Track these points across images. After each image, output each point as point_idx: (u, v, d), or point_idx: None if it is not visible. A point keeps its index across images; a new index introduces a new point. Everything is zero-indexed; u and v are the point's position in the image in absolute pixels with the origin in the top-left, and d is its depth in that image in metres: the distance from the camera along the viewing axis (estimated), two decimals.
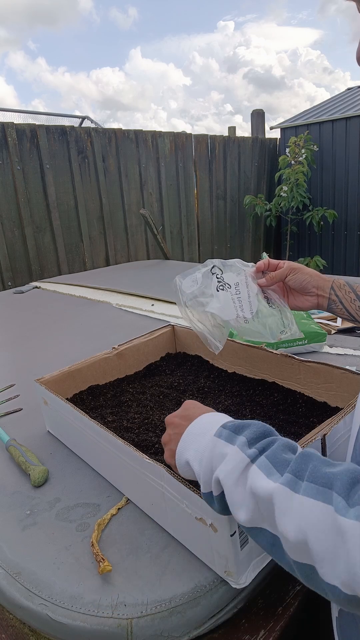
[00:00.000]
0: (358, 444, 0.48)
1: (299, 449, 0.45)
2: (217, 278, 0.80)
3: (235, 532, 0.52)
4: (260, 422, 0.48)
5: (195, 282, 0.80)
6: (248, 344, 1.01)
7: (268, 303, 0.81)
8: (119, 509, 0.70)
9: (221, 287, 0.80)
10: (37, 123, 3.29)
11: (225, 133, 4.93)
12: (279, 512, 0.39)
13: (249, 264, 0.84)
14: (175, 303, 1.88)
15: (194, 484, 0.58)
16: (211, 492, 0.48)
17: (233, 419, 0.52)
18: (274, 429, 0.48)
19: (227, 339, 1.04)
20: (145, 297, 2.01)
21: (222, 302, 0.78)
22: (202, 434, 0.52)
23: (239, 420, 0.50)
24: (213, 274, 0.81)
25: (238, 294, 0.80)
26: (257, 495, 0.41)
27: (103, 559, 0.59)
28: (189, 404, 0.61)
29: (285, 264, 0.82)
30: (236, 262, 0.84)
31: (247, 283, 0.81)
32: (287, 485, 0.39)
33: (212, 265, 0.82)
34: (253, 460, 0.44)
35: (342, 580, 0.34)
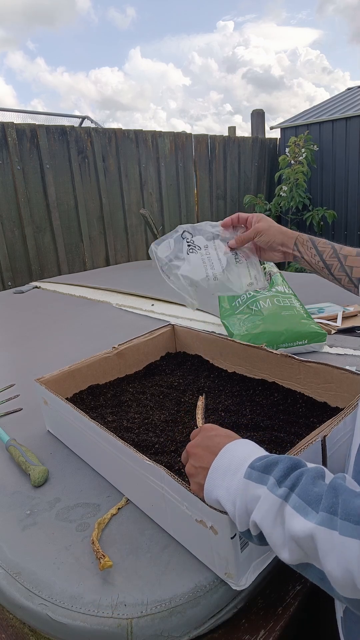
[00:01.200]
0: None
1: (327, 475, 0.45)
2: (187, 242, 0.88)
3: (235, 534, 0.52)
4: (286, 456, 0.48)
5: (168, 247, 0.88)
6: (248, 344, 1.01)
7: (236, 259, 0.88)
8: (119, 508, 0.70)
9: (191, 250, 0.87)
10: (37, 123, 3.29)
11: (225, 133, 4.93)
12: (322, 552, 0.39)
13: (217, 223, 0.90)
14: (175, 303, 1.89)
15: None
16: (249, 530, 0.48)
17: (259, 452, 0.52)
18: (301, 460, 0.48)
19: (227, 339, 1.06)
20: (145, 297, 2.01)
21: (192, 264, 0.86)
22: (231, 472, 0.51)
23: (266, 457, 0.50)
24: (183, 238, 0.88)
25: (208, 255, 0.88)
26: (298, 537, 0.41)
27: (104, 555, 0.58)
28: (209, 430, 0.59)
29: (254, 220, 0.87)
30: (205, 225, 0.90)
31: (215, 244, 0.89)
32: (324, 524, 0.39)
33: (182, 231, 0.89)
34: (286, 499, 0.43)
35: None
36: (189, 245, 0.87)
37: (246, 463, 0.50)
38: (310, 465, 0.47)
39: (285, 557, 0.43)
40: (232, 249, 0.88)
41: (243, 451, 0.53)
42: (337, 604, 0.55)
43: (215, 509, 0.52)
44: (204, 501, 0.54)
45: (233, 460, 0.52)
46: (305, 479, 0.44)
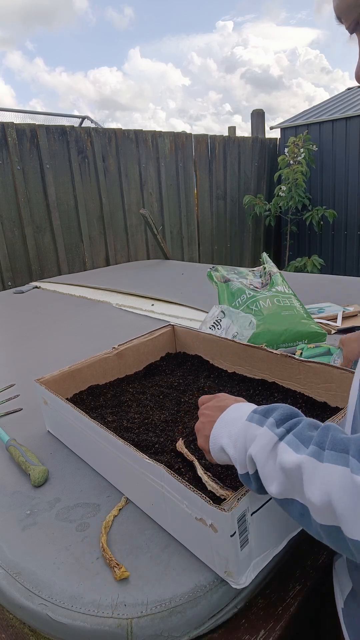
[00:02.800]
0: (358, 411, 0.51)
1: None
2: (214, 321, 1.26)
3: (235, 532, 0.52)
4: (287, 405, 0.52)
5: (213, 313, 1.28)
6: (248, 344, 1.01)
7: (233, 336, 1.21)
8: (119, 509, 0.70)
9: (211, 328, 1.25)
10: (36, 123, 3.29)
11: (224, 133, 4.93)
12: (306, 480, 0.42)
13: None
14: (175, 303, 1.90)
15: (194, 484, 0.58)
16: (247, 472, 0.51)
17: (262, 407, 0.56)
18: (300, 412, 0.52)
19: (227, 340, 1.06)
20: (145, 297, 2.01)
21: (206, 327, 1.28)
22: (234, 420, 0.56)
23: (268, 405, 0.54)
24: (219, 315, 1.27)
25: (220, 333, 1.22)
26: (286, 468, 0.45)
27: (118, 564, 0.58)
28: (222, 396, 0.64)
29: (344, 350, 1.02)
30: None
31: (229, 329, 1.23)
32: (313, 455, 0.43)
33: (220, 310, 1.27)
34: (281, 438, 0.47)
35: None
36: (214, 324, 1.26)
37: (249, 411, 0.54)
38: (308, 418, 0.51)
39: (273, 490, 0.47)
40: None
41: (248, 406, 0.57)
42: (337, 595, 0.55)
43: (214, 507, 0.52)
44: (206, 454, 0.58)
45: (237, 412, 0.57)
46: (302, 425, 0.48)
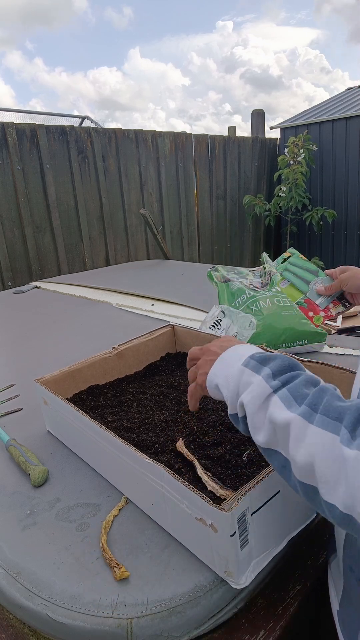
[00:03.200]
0: None
1: (321, 383, 0.48)
2: (214, 321, 1.24)
3: (235, 532, 0.52)
4: (286, 355, 0.52)
5: (213, 313, 1.26)
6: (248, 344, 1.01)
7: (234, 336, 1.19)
8: (119, 509, 0.70)
9: (211, 328, 1.23)
10: (36, 123, 3.29)
11: (224, 133, 4.93)
12: (293, 439, 0.43)
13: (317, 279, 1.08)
14: (175, 303, 1.90)
15: (194, 484, 0.58)
16: (237, 413, 0.53)
17: (262, 351, 0.57)
18: (300, 364, 0.52)
19: None
20: (145, 297, 2.01)
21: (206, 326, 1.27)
22: (231, 361, 0.57)
23: (267, 352, 0.55)
24: (219, 315, 1.24)
25: (221, 332, 1.21)
26: (275, 423, 0.46)
27: (118, 564, 0.58)
28: (227, 337, 0.66)
29: (337, 272, 1.00)
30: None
31: (229, 328, 1.21)
32: (303, 416, 0.43)
33: (220, 310, 1.25)
34: (275, 391, 0.48)
35: (341, 500, 0.39)
36: (214, 324, 1.25)
37: (247, 354, 0.55)
38: (308, 372, 0.51)
39: (259, 439, 0.49)
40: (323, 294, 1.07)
41: (246, 349, 0.58)
42: (332, 598, 0.55)
43: (214, 507, 0.52)
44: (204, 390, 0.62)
45: (237, 353, 0.57)
46: (300, 380, 0.48)
